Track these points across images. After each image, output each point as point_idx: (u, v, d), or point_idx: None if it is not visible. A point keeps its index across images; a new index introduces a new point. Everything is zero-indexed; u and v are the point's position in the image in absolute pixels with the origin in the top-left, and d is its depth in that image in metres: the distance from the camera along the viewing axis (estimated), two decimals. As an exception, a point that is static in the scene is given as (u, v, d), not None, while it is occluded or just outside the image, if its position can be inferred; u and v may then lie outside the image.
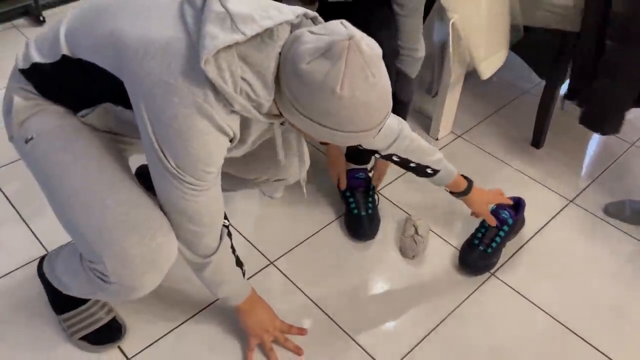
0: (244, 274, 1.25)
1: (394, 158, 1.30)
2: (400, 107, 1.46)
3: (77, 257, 1.09)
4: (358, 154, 1.61)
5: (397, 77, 1.43)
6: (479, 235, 1.52)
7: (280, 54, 0.88)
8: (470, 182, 1.43)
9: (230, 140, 0.96)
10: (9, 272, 1.42)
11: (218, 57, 0.85)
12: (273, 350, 1.27)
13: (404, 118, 1.47)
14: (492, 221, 1.48)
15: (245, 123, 0.99)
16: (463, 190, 1.42)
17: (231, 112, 0.91)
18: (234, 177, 1.36)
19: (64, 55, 0.98)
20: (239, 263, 1.23)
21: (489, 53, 1.64)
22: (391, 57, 1.39)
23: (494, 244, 1.49)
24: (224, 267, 1.15)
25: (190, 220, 1.01)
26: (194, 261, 1.09)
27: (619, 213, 1.68)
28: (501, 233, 1.50)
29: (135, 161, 1.26)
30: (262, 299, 1.29)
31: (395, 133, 1.25)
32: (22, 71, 1.04)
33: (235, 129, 0.94)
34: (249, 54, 0.87)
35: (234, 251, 1.21)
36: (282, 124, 1.08)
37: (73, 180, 1.00)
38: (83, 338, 1.26)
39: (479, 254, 1.48)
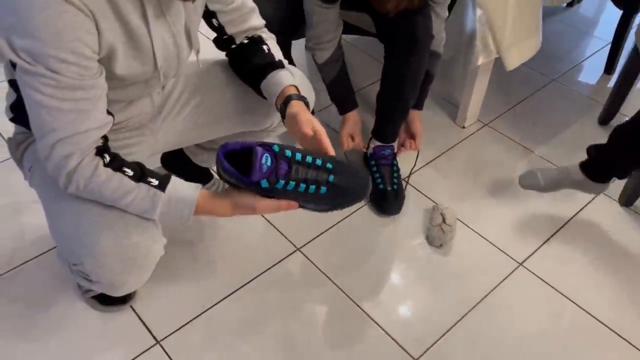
0: (160, 186, 0.97)
1: (214, 21, 1.14)
2: (428, 81, 1.62)
3: (64, 261, 1.13)
4: (384, 132, 1.64)
5: (430, 56, 1.51)
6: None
7: None
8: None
9: (96, 22, 0.85)
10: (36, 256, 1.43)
11: None
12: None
13: (428, 91, 1.66)
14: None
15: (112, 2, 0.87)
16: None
17: None
18: (247, 134, 1.34)
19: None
20: (141, 176, 0.97)
21: (515, 41, 1.61)
22: (426, 41, 1.46)
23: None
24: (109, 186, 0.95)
25: (47, 124, 0.87)
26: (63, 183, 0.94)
27: (534, 184, 1.62)
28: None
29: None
30: (219, 200, 1.01)
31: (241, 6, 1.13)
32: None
33: (87, 0, 0.82)
34: None
35: (121, 166, 0.95)
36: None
37: (63, 197, 0.99)
38: (94, 297, 1.30)
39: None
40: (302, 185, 0.95)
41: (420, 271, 1.47)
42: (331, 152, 1.02)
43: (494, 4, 1.52)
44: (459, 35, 1.58)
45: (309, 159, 0.96)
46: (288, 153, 0.95)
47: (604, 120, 1.98)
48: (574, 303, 1.40)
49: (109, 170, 0.93)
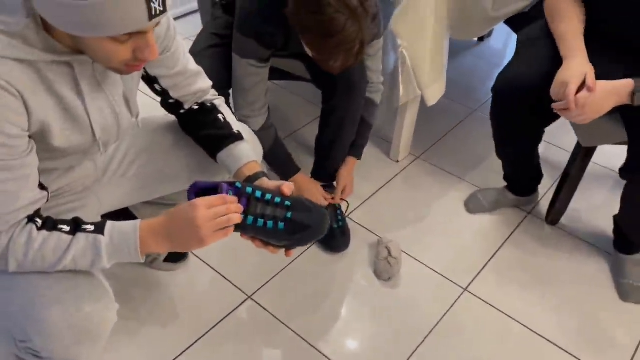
0: (97, 230, 0.92)
1: (156, 87, 1.13)
2: (367, 129, 1.68)
3: (10, 341, 1.06)
4: (323, 174, 1.68)
5: (366, 104, 1.58)
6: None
7: None
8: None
9: (24, 102, 0.83)
10: None
11: None
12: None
13: (368, 138, 1.71)
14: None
15: (42, 75, 0.86)
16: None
17: None
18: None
19: None
20: (77, 227, 0.93)
21: (433, 80, 1.72)
22: (362, 86, 1.53)
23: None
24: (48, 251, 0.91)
25: None
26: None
27: (479, 206, 1.81)
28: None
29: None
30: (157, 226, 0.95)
31: (185, 71, 1.12)
32: None
33: (15, 81, 0.81)
34: None
35: (55, 225, 0.92)
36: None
37: (9, 273, 0.94)
38: None
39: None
40: (260, 221, 0.98)
41: (372, 306, 1.50)
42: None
43: (414, 47, 1.62)
44: (382, 76, 1.67)
45: (268, 196, 1.00)
46: (249, 190, 0.99)
47: (552, 221, 1.80)
48: (518, 322, 1.48)
49: (44, 232, 0.90)
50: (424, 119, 2.16)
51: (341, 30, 1.14)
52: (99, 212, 1.20)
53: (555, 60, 1.32)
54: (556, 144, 2.11)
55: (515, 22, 1.82)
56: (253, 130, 1.43)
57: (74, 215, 1.05)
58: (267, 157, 1.55)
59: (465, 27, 1.77)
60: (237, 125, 1.19)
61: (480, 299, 1.53)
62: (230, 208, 0.94)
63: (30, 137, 0.88)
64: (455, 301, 1.52)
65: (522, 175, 1.75)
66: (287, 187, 1.03)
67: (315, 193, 1.62)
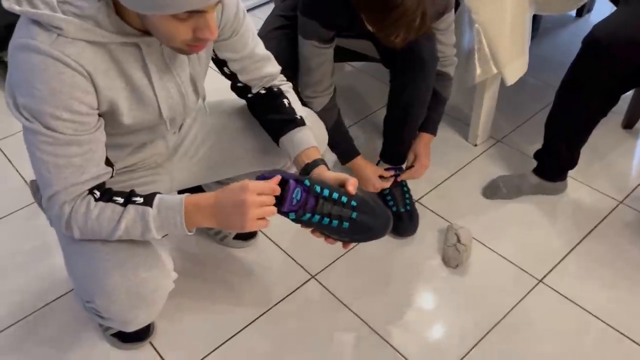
0: (146, 202, 0.97)
1: (225, 70, 1.17)
2: (441, 103, 1.62)
3: (80, 299, 1.18)
4: (392, 155, 1.65)
5: (437, 77, 1.52)
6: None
7: None
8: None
9: (93, 82, 0.89)
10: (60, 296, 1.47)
11: None
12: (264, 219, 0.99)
13: (442, 113, 1.65)
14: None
15: (113, 56, 0.92)
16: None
17: (69, 40, 0.86)
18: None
19: None
20: (128, 199, 0.98)
21: (512, 57, 1.61)
22: (432, 63, 1.47)
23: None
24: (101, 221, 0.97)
25: (45, 179, 0.93)
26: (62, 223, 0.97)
27: (497, 193, 1.69)
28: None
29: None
30: (204, 202, 0.98)
31: (257, 56, 1.15)
32: None
33: (85, 61, 0.87)
34: None
35: (111, 197, 0.97)
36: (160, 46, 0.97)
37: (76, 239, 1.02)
38: (114, 335, 1.33)
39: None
40: (326, 219, 1.02)
41: (439, 293, 1.45)
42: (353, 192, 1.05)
43: (491, 22, 1.53)
44: (457, 54, 1.59)
45: (335, 195, 1.02)
46: (317, 189, 1.01)
47: (627, 124, 1.95)
48: (598, 319, 1.37)
49: (101, 203, 0.96)
50: (509, 100, 2.05)
51: (400, 3, 1.11)
52: (171, 188, 1.27)
53: None
54: None
55: (615, -6, 1.65)
56: (314, 110, 1.44)
57: (146, 189, 1.13)
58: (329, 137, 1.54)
59: (553, 0, 1.64)
60: (301, 111, 1.20)
61: (556, 291, 1.43)
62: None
63: (100, 115, 0.95)
64: (528, 293, 1.43)
65: (566, 151, 1.59)
66: (352, 186, 1.05)
67: (372, 178, 1.58)
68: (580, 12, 2.57)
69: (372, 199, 1.06)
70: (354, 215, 1.02)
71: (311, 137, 1.16)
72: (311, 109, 1.45)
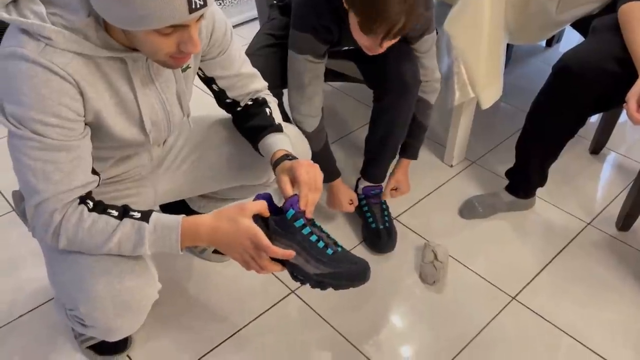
0: (143, 218, 0.98)
1: (214, 87, 1.20)
2: (421, 130, 1.65)
3: (62, 307, 1.16)
4: (372, 173, 1.68)
5: (418, 104, 1.57)
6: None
7: None
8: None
9: (80, 90, 0.91)
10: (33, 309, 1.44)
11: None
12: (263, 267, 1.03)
13: (422, 140, 1.68)
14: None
15: (100, 69, 0.93)
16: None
17: (58, 50, 0.87)
18: (245, 187, 1.39)
19: None
20: (124, 213, 0.98)
21: (488, 83, 1.68)
22: (415, 86, 1.51)
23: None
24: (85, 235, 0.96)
25: (32, 186, 0.92)
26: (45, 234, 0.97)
27: (473, 212, 1.75)
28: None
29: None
30: (204, 224, 0.99)
31: (244, 76, 1.19)
32: None
33: (72, 71, 0.89)
34: None
35: (105, 209, 0.98)
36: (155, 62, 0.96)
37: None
38: (91, 347, 1.32)
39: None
40: (315, 237, 1.03)
41: (416, 309, 1.48)
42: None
43: (469, 49, 1.59)
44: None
45: (325, 230, 1.06)
46: (305, 232, 1.03)
47: (594, 149, 2.03)
48: (570, 336, 1.41)
49: (94, 214, 0.96)
50: (483, 124, 2.12)
51: None
52: (154, 201, 1.27)
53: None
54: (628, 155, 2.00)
55: (583, 26, 1.74)
56: (307, 132, 1.46)
57: (130, 201, 1.13)
58: (314, 159, 1.56)
59: (525, 31, 1.71)
60: (280, 120, 1.22)
61: (529, 308, 1.48)
62: (267, 267, 1.00)
63: (86, 124, 0.96)
64: (502, 310, 1.47)
65: (536, 169, 1.66)
66: (309, 206, 1.05)
67: (342, 201, 1.64)
68: (550, 42, 2.68)
69: (352, 255, 1.07)
70: (339, 249, 1.04)
71: (285, 141, 1.17)
72: (303, 130, 1.45)
